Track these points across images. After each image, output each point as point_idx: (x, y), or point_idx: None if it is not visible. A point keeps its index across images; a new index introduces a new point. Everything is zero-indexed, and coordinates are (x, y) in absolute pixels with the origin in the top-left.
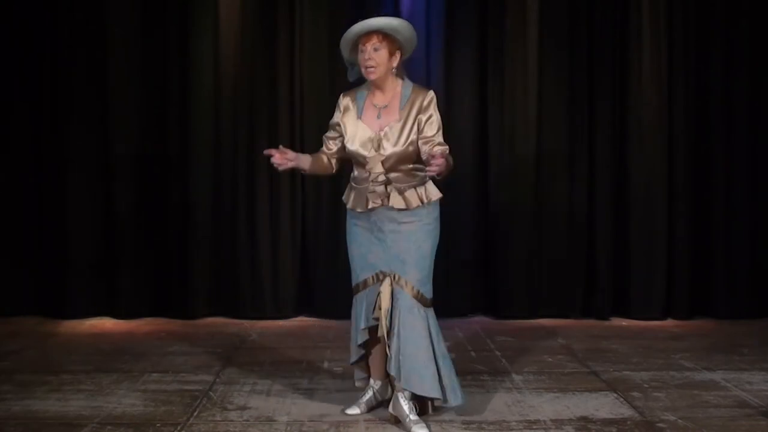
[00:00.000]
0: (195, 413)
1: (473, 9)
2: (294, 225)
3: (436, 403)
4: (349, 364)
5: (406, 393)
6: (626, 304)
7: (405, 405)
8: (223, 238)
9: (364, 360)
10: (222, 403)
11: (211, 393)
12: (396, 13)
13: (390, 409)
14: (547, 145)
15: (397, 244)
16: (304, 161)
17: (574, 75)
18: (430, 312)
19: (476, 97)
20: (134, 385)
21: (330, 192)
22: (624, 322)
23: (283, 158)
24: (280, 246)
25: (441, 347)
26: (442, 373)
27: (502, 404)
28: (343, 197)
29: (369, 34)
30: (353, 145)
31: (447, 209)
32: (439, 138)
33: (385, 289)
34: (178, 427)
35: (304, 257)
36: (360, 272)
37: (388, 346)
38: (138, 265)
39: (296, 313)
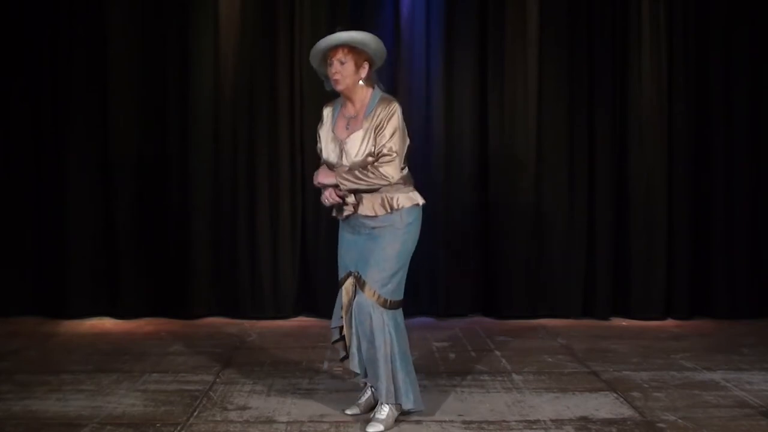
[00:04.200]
0: (195, 413)
1: (473, 9)
2: (294, 225)
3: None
4: (338, 362)
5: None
6: (626, 304)
7: (379, 401)
8: (223, 238)
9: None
10: (222, 403)
11: (211, 393)
12: (396, 13)
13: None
14: (547, 145)
15: (366, 246)
16: None
17: (574, 75)
18: (390, 313)
19: (476, 97)
20: (134, 385)
21: None
22: (624, 322)
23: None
24: (280, 246)
25: (401, 349)
26: (397, 375)
27: (502, 404)
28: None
29: (335, 47)
30: (325, 154)
31: (447, 209)
32: (386, 148)
33: (348, 287)
34: (178, 427)
35: (304, 257)
36: (339, 271)
37: (348, 343)
38: (138, 265)
39: (296, 313)
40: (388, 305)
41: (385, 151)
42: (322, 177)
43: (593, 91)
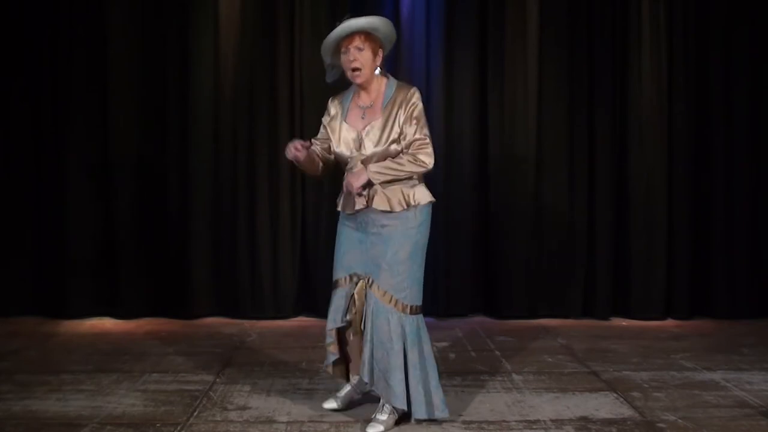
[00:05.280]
0: (195, 413)
1: (473, 9)
2: (294, 225)
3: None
4: (324, 366)
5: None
6: (626, 304)
7: (380, 402)
8: (223, 238)
9: (339, 363)
10: (222, 403)
11: (211, 393)
12: (396, 13)
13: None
14: (547, 145)
15: (375, 247)
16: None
17: (574, 75)
18: (410, 318)
19: (476, 97)
20: (134, 385)
21: (330, 192)
22: (624, 322)
23: (297, 150)
24: (280, 246)
25: (417, 356)
26: (411, 383)
27: (502, 404)
28: (337, 199)
29: (351, 35)
30: (338, 147)
31: (447, 209)
32: (419, 133)
33: (360, 291)
34: (178, 427)
35: (304, 257)
36: (336, 271)
37: (363, 349)
38: (138, 265)
39: (296, 313)
40: (410, 311)
41: (419, 136)
42: (355, 180)
43: (593, 91)
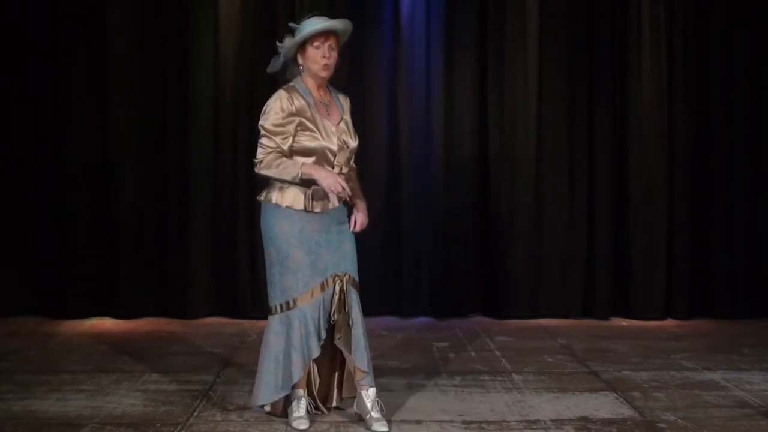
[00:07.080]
0: (195, 413)
1: (473, 9)
2: None
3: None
4: (291, 386)
5: (370, 391)
6: (626, 304)
7: (368, 402)
8: (223, 238)
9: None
10: (222, 403)
11: (211, 393)
12: (396, 13)
13: (354, 407)
14: (547, 145)
15: (343, 244)
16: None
17: (574, 75)
18: None
19: (476, 97)
20: (134, 385)
21: None
22: (624, 322)
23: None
24: None
25: None
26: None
27: (502, 404)
28: (281, 200)
29: (328, 33)
30: (323, 140)
31: (447, 209)
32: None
33: (342, 289)
34: (178, 427)
35: None
36: (310, 279)
37: (351, 341)
38: (138, 265)
39: None
40: None
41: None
42: (338, 180)
43: (593, 91)
